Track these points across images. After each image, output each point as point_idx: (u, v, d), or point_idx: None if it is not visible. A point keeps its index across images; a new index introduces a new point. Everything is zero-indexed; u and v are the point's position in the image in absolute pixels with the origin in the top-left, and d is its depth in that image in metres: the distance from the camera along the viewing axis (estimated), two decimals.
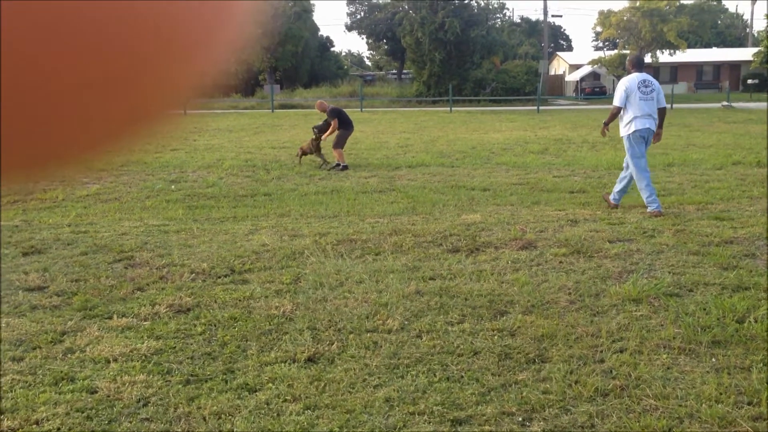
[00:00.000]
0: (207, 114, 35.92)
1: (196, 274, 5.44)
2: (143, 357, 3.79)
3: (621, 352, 3.82)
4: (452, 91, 38.88)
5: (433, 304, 4.65)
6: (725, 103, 35.20)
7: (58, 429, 3.00)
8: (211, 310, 4.56)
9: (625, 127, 7.88)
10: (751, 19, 73.68)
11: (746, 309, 4.41)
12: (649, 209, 7.59)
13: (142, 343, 3.98)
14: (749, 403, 3.21)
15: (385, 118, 29.17)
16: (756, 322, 4.18)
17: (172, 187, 10.28)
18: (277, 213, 8.06)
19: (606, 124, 8.40)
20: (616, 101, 7.92)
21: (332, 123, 12.42)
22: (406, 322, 4.33)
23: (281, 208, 8.39)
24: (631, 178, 7.87)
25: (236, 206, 8.56)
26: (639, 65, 8.04)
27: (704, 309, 4.48)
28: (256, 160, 13.61)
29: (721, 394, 3.29)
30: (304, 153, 13.01)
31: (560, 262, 5.67)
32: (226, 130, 23.18)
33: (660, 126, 7.99)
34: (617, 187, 8.07)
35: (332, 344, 3.96)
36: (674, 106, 34.74)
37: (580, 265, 5.54)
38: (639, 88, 7.74)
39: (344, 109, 13.73)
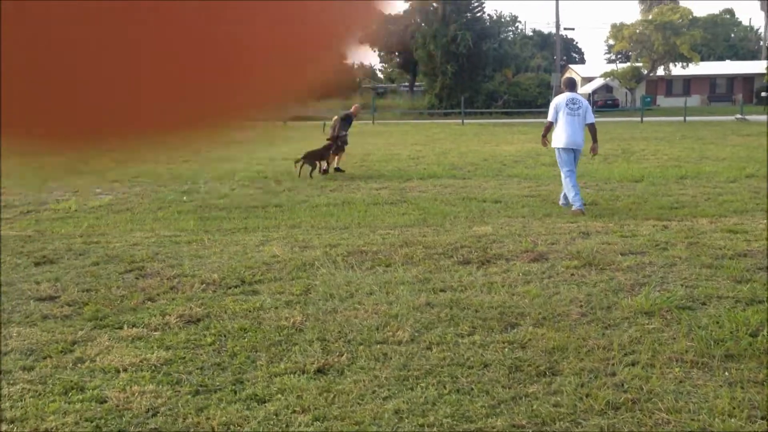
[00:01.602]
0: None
1: (207, 284, 5.44)
2: (153, 367, 3.79)
3: (633, 365, 3.78)
4: (464, 104, 38.90)
5: (443, 316, 4.63)
6: (739, 116, 35.03)
7: None
8: (221, 321, 4.56)
9: (556, 140, 8.90)
10: (765, 31, 73.30)
11: (760, 322, 4.36)
12: (576, 207, 8.55)
13: (152, 353, 3.98)
14: (763, 418, 3.17)
15: (397, 130, 29.26)
16: None
17: (184, 198, 10.32)
18: (287, 224, 8.07)
19: (543, 136, 9.38)
20: (549, 117, 9.06)
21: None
22: (416, 334, 4.32)
23: (292, 219, 8.40)
24: (572, 181, 8.76)
25: (247, 217, 8.58)
26: (570, 86, 9.23)
27: (717, 322, 4.44)
28: (268, 172, 13.66)
29: (734, 408, 3.25)
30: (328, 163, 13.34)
31: (572, 274, 5.64)
32: (237, 141, 23.23)
33: (594, 140, 9.23)
34: (570, 194, 8.75)
35: (342, 355, 3.95)
36: (687, 119, 34.65)
37: (592, 278, 5.51)
38: (567, 105, 8.80)
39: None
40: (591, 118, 8.97)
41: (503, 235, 7.16)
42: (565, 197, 8.91)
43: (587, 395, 3.40)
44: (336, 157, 13.43)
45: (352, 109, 14.25)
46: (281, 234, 7.46)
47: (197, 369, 3.78)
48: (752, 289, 5.12)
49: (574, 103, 8.86)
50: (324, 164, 13.28)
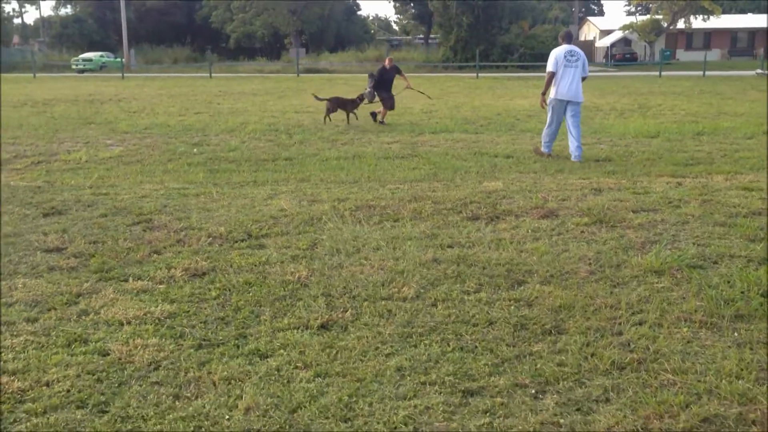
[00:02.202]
0: (232, 77, 35.89)
1: (213, 238, 5.42)
2: (156, 320, 3.78)
3: (640, 324, 3.73)
4: (479, 57, 38.34)
5: (450, 273, 4.58)
6: (759, 71, 34.32)
7: (68, 391, 3.00)
8: (227, 275, 4.54)
9: (553, 91, 9.27)
10: None
11: None
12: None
13: (156, 306, 3.98)
14: None
15: (411, 83, 28.87)
16: None
17: (195, 150, 10.27)
18: (297, 178, 8.01)
19: (543, 93, 9.52)
20: (549, 67, 9.28)
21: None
22: (422, 291, 4.28)
23: (302, 173, 8.34)
24: (553, 131, 9.40)
25: (257, 170, 8.53)
26: (568, 38, 9.58)
27: (728, 282, 4.37)
28: (279, 125, 13.55)
29: (742, 370, 3.20)
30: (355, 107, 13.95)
31: (582, 231, 5.56)
32: (250, 93, 23.10)
33: None
34: (545, 139, 9.46)
35: (346, 311, 3.92)
36: (707, 73, 34.00)
37: (602, 235, 5.43)
38: (566, 57, 9.15)
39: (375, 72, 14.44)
40: (586, 72, 9.37)
41: (514, 190, 7.07)
42: (578, 149, 9.12)
43: (592, 354, 3.36)
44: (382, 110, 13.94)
45: (386, 62, 14.24)
46: (290, 188, 7.40)
47: (201, 323, 3.77)
48: (765, 248, 5.03)
49: (572, 55, 9.21)
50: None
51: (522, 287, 4.35)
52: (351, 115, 13.94)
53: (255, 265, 4.76)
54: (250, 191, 7.21)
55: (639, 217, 5.91)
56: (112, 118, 15.06)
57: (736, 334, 3.62)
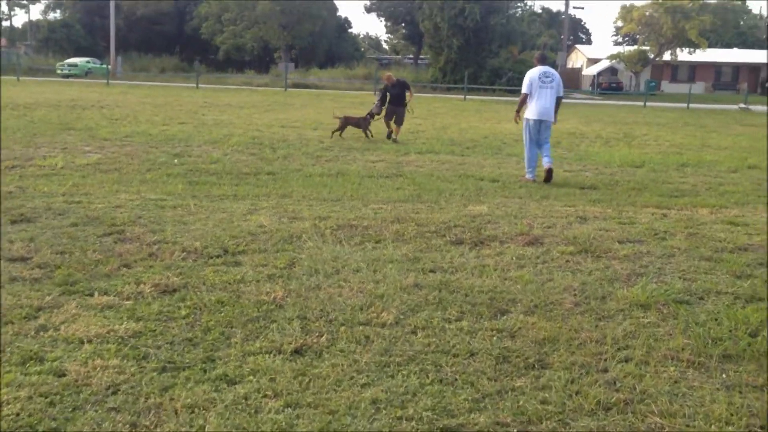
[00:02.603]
0: (219, 89, 35.70)
1: (188, 252, 5.23)
2: (120, 339, 3.58)
3: (626, 361, 3.59)
4: (468, 79, 38.44)
5: (431, 299, 4.42)
6: (742, 105, 34.68)
7: (18, 414, 2.79)
8: (198, 293, 4.35)
9: (528, 112, 9.50)
10: None
11: (760, 322, 4.16)
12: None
13: (121, 324, 3.77)
14: (762, 428, 2.98)
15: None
16: None
17: (175, 161, 10.07)
18: (278, 193, 7.83)
19: (517, 111, 9.89)
20: (524, 89, 9.54)
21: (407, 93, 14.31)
22: (402, 317, 4.12)
23: (284, 188, 8.17)
24: (532, 152, 9.55)
25: (238, 184, 8.35)
26: (542, 60, 9.78)
27: (716, 319, 4.24)
28: (264, 138, 13.39)
29: (732, 414, 3.06)
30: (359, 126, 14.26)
31: (567, 260, 5.43)
32: (236, 106, 22.92)
33: (555, 111, 9.59)
34: (526, 163, 9.61)
35: (321, 336, 3.74)
36: (691, 106, 34.31)
37: (588, 265, 5.31)
38: (540, 78, 9.40)
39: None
40: (561, 92, 9.57)
41: (499, 215, 6.94)
42: (548, 159, 9.37)
43: (577, 392, 3.21)
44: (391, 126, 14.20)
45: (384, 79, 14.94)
46: (271, 203, 7.23)
47: (167, 343, 3.57)
48: (753, 285, 4.93)
49: (546, 76, 9.45)
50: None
51: (505, 317, 4.20)
52: (367, 131, 14.27)
53: (229, 283, 4.57)
54: (230, 205, 7.03)
55: (625, 248, 5.80)
56: (92, 124, 14.82)
57: (724, 375, 3.48)
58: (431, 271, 5.04)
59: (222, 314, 4.03)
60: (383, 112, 14.28)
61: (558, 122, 9.85)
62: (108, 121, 15.61)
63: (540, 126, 9.44)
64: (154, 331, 3.72)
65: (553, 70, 9.61)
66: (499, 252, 5.60)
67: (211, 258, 5.14)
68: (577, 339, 3.85)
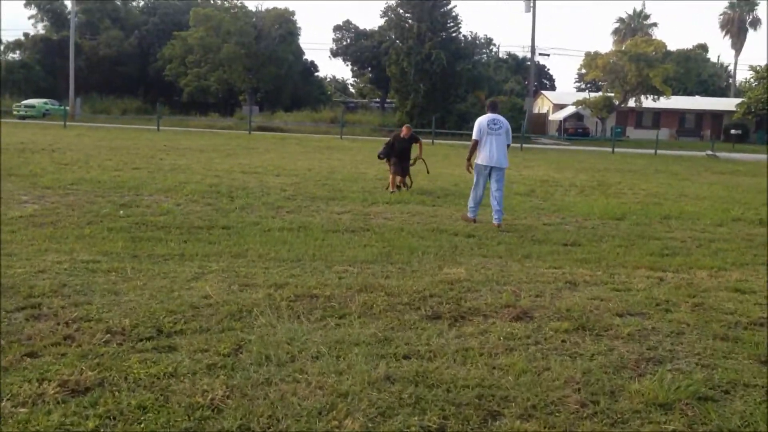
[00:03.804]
0: (181, 132, 34.84)
1: (112, 334, 4.34)
2: None
3: None
4: (435, 124, 38.10)
5: (406, 398, 3.60)
6: (710, 152, 34.83)
7: None
8: (116, 393, 3.48)
9: (478, 157, 9.75)
10: (734, 69, 74.26)
11: None
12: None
13: None
14: None
15: (366, 147, 28.27)
16: None
17: (121, 212, 9.17)
18: (231, 252, 6.97)
19: (468, 159, 10.08)
20: (474, 135, 9.77)
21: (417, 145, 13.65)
22: (370, 425, 3.30)
23: (238, 246, 7.31)
24: (478, 193, 9.75)
25: (187, 240, 7.48)
26: (492, 108, 10.08)
27: (750, 424, 3.49)
28: (222, 186, 12.54)
29: None
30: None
31: (563, 340, 4.66)
32: (197, 149, 22.06)
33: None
34: (470, 204, 9.84)
35: None
36: (658, 152, 34.32)
37: (588, 347, 4.53)
38: (489, 125, 9.66)
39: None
40: (509, 140, 9.85)
41: (479, 281, 6.16)
42: (499, 213, 9.50)
43: None
44: (395, 178, 13.36)
45: (403, 130, 13.80)
46: (221, 265, 6.37)
47: None
48: None
49: (495, 123, 9.71)
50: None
51: (497, 422, 3.41)
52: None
53: (157, 378, 3.70)
54: (173, 268, 6.15)
55: (626, 324, 5.04)
56: (38, 169, 13.81)
57: None
58: (405, 357, 4.22)
59: (142, 425, 3.16)
60: (389, 163, 13.43)
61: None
62: (55, 167, 14.62)
63: (491, 172, 9.67)
64: None
65: (501, 118, 9.83)
66: (484, 330, 4.81)
67: (141, 341, 4.26)
68: None
